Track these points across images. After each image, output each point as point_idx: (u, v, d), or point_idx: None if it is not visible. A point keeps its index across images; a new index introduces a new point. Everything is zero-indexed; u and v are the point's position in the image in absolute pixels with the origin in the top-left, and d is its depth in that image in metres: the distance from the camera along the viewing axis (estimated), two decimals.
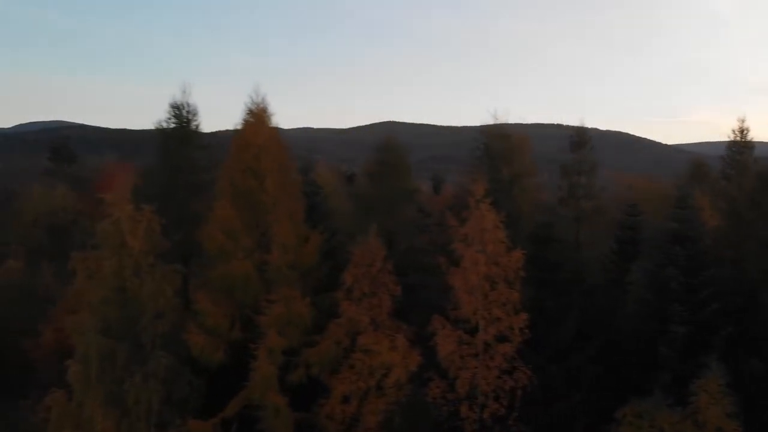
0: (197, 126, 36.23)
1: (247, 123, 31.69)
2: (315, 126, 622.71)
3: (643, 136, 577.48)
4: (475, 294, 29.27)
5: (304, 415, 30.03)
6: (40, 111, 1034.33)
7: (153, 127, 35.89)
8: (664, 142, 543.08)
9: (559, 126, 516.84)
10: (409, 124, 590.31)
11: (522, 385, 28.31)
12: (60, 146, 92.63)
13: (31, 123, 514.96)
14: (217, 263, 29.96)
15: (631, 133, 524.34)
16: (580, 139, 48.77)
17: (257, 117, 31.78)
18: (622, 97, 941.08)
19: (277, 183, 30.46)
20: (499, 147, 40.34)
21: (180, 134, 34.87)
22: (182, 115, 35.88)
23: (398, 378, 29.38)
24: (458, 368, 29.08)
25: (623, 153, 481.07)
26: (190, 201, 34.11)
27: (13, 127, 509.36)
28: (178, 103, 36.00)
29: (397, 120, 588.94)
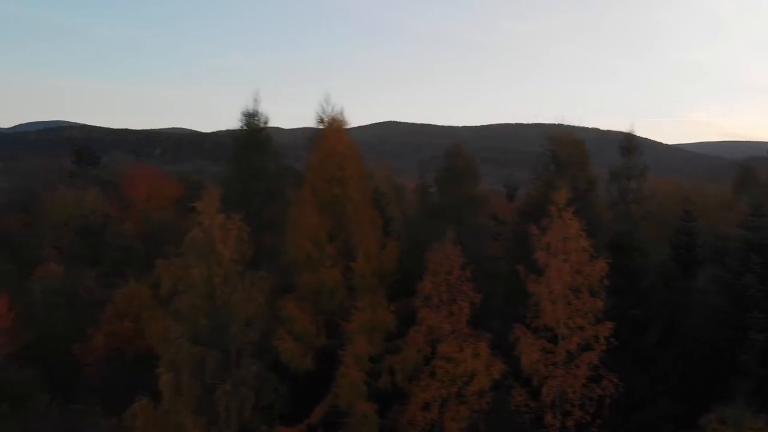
0: (268, 133, 36.39)
1: (327, 131, 31.84)
2: (316, 126, 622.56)
3: (644, 136, 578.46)
4: (559, 303, 29.48)
5: (383, 421, 30.25)
6: (40, 111, 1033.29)
7: (215, 131, 36.20)
8: (664, 142, 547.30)
9: (560, 126, 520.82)
10: (410, 123, 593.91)
11: (610, 393, 28.53)
12: (82, 149, 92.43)
13: (31, 123, 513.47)
14: (302, 270, 30.10)
15: (633, 133, 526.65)
16: (629, 144, 48.86)
17: (336, 125, 31.98)
18: (623, 97, 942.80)
19: (359, 191, 30.68)
20: (570, 153, 40.30)
21: (253, 142, 35.00)
22: (254, 122, 36.05)
23: (481, 386, 29.55)
24: (543, 377, 29.28)
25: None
26: (264, 208, 34.28)
27: (13, 127, 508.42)
28: (251, 111, 36.20)
29: (397, 120, 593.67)
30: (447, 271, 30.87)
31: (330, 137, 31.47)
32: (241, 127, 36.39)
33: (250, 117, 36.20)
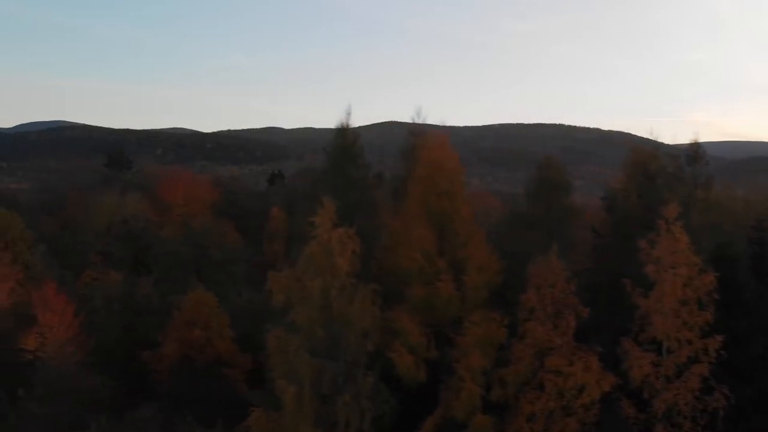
0: (361, 146, 36.60)
1: (431, 143, 32.17)
2: (317, 126, 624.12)
3: (646, 136, 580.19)
4: (668, 316, 29.80)
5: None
6: (41, 111, 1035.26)
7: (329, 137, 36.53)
8: (666, 142, 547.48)
9: (561, 126, 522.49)
10: (411, 124, 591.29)
11: (722, 406, 28.89)
12: (116, 153, 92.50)
13: (32, 123, 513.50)
14: (413, 283, 30.38)
15: (634, 133, 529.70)
16: (695, 152, 49.10)
17: (441, 139, 32.32)
18: (624, 97, 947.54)
19: (467, 204, 31.03)
20: (663, 166, 40.44)
21: (348, 155, 35.24)
22: (348, 135, 36.33)
23: (591, 398, 29.88)
24: (654, 390, 29.61)
25: (625, 152, 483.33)
26: (362, 220, 34.44)
27: (14, 127, 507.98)
28: (344, 124, 36.49)
29: (398, 120, 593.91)
30: (551, 285, 31.15)
31: (436, 150, 31.78)
32: (335, 139, 36.57)
33: (344, 131, 36.40)
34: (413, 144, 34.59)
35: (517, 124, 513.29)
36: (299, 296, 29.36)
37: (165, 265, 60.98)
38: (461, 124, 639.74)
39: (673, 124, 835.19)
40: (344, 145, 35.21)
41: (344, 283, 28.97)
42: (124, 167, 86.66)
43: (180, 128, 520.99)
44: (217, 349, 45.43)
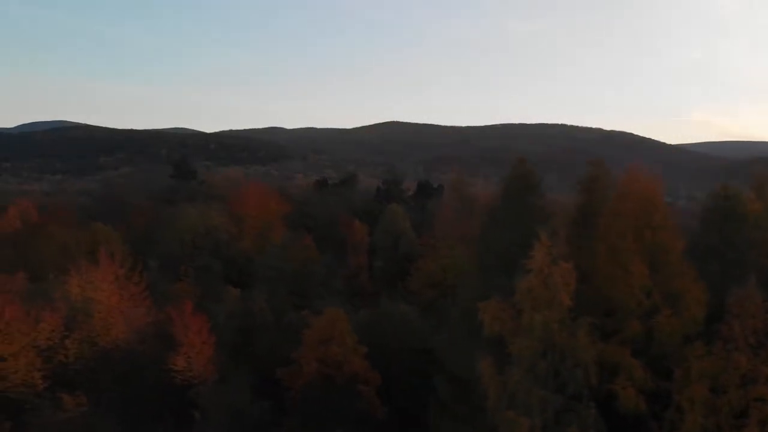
0: (540, 176, 36.47)
1: (641, 178, 32.47)
2: (318, 126, 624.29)
3: (647, 136, 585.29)
4: None
5: None
6: (43, 111, 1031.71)
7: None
8: (667, 142, 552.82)
9: (563, 126, 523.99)
10: (413, 124, 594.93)
11: None
12: (179, 162, 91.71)
13: (34, 123, 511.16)
14: (631, 317, 30.67)
15: (636, 133, 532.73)
16: None
17: (641, 173, 32.70)
18: (627, 98, 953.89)
19: (677, 238, 31.39)
20: None
21: (528, 184, 35.16)
22: (526, 164, 36.36)
23: None
24: None
25: (629, 153, 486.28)
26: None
27: (16, 126, 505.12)
28: (521, 158, 36.62)
29: (400, 120, 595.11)
30: (752, 315, 31.41)
31: (647, 184, 32.05)
32: (513, 168, 36.41)
33: (522, 160, 36.39)
34: (595, 174, 34.66)
35: (520, 124, 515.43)
36: (516, 328, 29.61)
37: (266, 280, 60.66)
38: (463, 124, 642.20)
39: (675, 124, 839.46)
40: (523, 173, 35.25)
41: (564, 317, 29.22)
42: (190, 177, 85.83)
43: (181, 128, 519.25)
44: (353, 366, 45.53)
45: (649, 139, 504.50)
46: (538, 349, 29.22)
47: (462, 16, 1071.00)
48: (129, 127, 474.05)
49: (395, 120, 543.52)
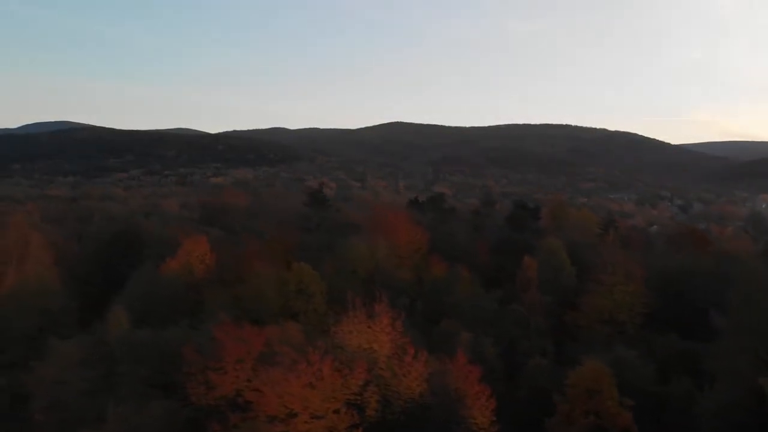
0: None
1: None
2: (322, 126, 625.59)
3: (650, 136, 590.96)
4: None
5: None
6: (45, 111, 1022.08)
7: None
8: (670, 142, 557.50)
9: (567, 126, 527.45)
10: (416, 124, 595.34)
11: None
12: (314, 192, 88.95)
13: (37, 123, 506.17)
14: None
15: (639, 133, 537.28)
16: None
17: None
18: (629, 98, 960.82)
19: None
20: None
21: None
22: None
23: None
24: None
25: (632, 153, 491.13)
26: None
27: (20, 127, 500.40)
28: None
29: (403, 120, 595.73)
30: None
31: None
32: None
33: None
34: None
35: (523, 124, 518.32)
36: None
37: (470, 320, 57.53)
38: (466, 125, 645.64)
39: (678, 124, 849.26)
40: None
41: None
42: (325, 205, 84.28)
43: (184, 129, 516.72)
44: (625, 419, 44.86)
45: (652, 139, 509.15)
46: None
47: (465, 17, 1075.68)
48: (130, 128, 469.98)
49: (398, 120, 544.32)
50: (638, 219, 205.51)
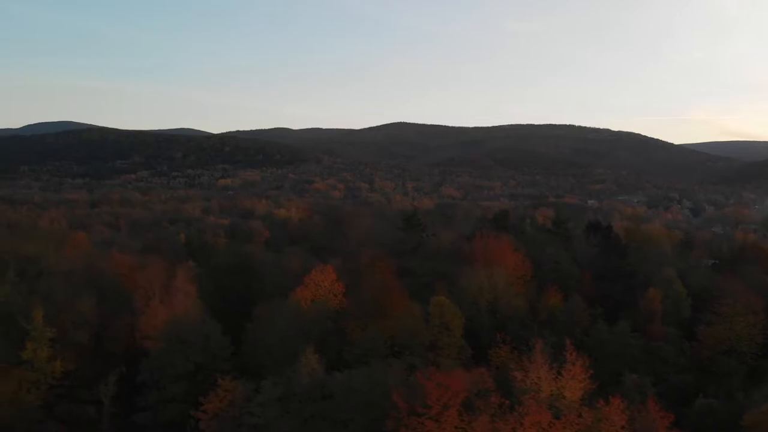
0: None
1: None
2: (325, 126, 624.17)
3: (654, 136, 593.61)
4: None
5: None
6: (47, 111, 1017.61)
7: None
8: (673, 142, 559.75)
9: (571, 126, 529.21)
10: (419, 124, 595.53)
11: None
12: (410, 217, 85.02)
13: (40, 124, 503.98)
14: None
15: (643, 133, 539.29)
16: None
17: None
18: (633, 98, 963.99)
19: None
20: None
21: None
22: None
23: None
24: None
25: (636, 153, 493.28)
26: None
27: (22, 127, 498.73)
28: None
29: (407, 121, 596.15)
30: None
31: None
32: None
33: None
34: None
35: (527, 124, 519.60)
36: None
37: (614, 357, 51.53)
38: (470, 125, 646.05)
39: (679, 124, 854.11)
40: None
41: None
42: (422, 231, 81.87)
43: (186, 129, 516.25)
44: None
45: (656, 139, 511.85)
46: None
47: (470, 18, 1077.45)
48: (131, 127, 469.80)
49: (402, 121, 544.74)
50: (656, 224, 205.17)
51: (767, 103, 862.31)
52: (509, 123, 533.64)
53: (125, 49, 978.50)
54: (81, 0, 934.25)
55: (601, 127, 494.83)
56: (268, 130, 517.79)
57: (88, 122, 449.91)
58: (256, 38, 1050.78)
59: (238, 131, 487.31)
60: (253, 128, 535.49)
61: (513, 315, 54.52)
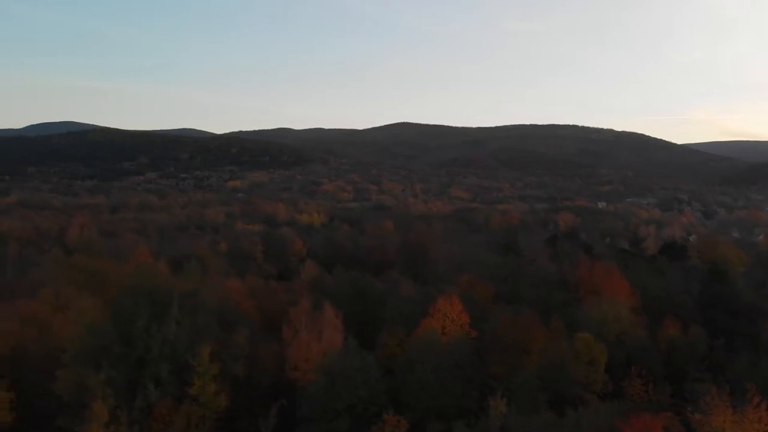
0: None
1: None
2: (328, 127, 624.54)
3: (656, 136, 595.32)
4: None
5: None
6: (48, 111, 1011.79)
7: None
8: (676, 142, 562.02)
9: (574, 127, 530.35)
10: (422, 125, 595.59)
11: None
12: (506, 245, 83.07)
13: (42, 124, 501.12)
14: None
15: (645, 133, 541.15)
16: None
17: None
18: (635, 98, 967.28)
19: None
20: None
21: None
22: None
23: None
24: None
25: (639, 153, 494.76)
26: None
27: (25, 127, 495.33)
28: None
29: (409, 121, 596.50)
30: None
31: None
32: None
33: None
34: None
35: (530, 124, 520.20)
36: None
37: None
38: (473, 125, 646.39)
39: (681, 124, 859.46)
40: None
41: None
42: (519, 255, 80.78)
43: (188, 129, 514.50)
44: None
45: (658, 139, 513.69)
46: None
47: (470, 18, 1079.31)
48: (133, 127, 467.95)
49: (405, 121, 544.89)
50: (675, 228, 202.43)
51: (767, 103, 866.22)
52: (511, 123, 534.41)
53: (125, 49, 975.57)
54: (81, 0, 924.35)
55: (604, 127, 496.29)
56: (271, 130, 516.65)
57: (90, 122, 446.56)
58: (256, 38, 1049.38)
59: (240, 131, 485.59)
60: (255, 128, 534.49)
61: (639, 346, 54.01)
